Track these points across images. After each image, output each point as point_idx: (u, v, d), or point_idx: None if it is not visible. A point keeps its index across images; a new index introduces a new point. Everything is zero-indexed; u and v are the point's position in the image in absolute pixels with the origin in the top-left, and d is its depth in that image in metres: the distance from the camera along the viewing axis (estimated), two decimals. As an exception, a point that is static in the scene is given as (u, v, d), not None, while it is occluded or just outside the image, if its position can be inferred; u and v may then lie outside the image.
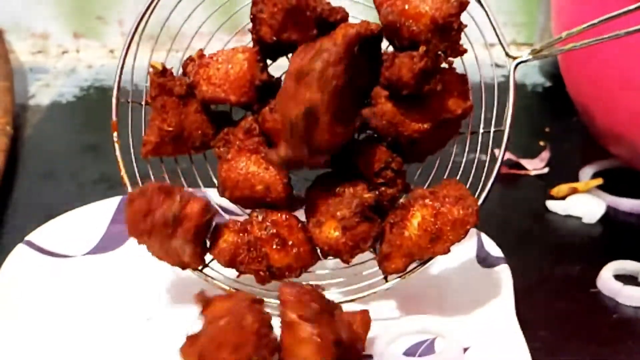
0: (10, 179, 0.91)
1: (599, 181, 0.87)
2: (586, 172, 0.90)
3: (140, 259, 0.75)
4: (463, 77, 0.67)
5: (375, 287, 0.70)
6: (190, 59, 0.70)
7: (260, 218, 0.68)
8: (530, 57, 0.68)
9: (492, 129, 0.70)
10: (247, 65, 0.68)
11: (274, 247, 0.68)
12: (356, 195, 0.67)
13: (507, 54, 0.68)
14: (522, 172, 0.92)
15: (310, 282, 0.65)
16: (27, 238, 0.75)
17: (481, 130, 0.71)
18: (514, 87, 0.68)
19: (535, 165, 0.93)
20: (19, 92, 1.07)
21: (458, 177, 0.69)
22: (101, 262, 0.76)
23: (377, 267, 0.69)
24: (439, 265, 0.73)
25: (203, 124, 0.71)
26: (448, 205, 0.64)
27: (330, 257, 0.69)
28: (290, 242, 0.68)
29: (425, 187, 0.69)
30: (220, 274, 0.71)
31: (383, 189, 0.68)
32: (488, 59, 0.70)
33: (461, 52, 0.65)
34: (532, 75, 1.15)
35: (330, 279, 0.72)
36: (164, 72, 0.70)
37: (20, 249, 0.74)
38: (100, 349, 0.66)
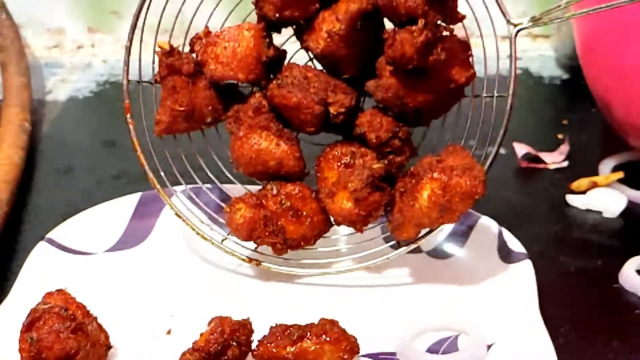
0: (29, 175, 0.91)
1: (620, 175, 0.87)
2: (606, 165, 0.89)
3: (163, 255, 0.76)
4: (465, 44, 0.67)
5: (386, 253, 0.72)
6: (197, 36, 0.71)
7: (274, 191, 0.70)
8: (530, 24, 0.68)
9: (496, 94, 0.71)
10: (253, 43, 0.69)
11: (289, 218, 0.70)
12: (366, 165, 0.68)
13: (507, 21, 0.68)
14: (541, 165, 0.92)
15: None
16: (48, 235, 0.75)
17: (484, 94, 0.71)
18: (515, 53, 0.69)
19: (555, 159, 0.93)
20: (35, 88, 1.07)
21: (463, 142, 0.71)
22: (123, 259, 0.76)
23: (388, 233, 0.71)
24: (461, 261, 0.74)
25: (213, 100, 0.72)
26: (456, 178, 0.65)
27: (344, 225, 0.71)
28: (304, 213, 0.71)
29: (432, 151, 0.71)
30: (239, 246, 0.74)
31: (391, 157, 0.69)
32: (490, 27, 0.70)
33: (459, 18, 0.66)
34: (550, 68, 1.14)
35: (342, 246, 0.75)
36: (171, 51, 0.71)
37: (41, 247, 0.74)
38: (123, 346, 0.66)
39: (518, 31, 0.68)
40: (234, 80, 0.70)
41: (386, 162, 0.69)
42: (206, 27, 0.71)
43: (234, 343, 0.61)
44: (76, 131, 1.03)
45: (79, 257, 0.75)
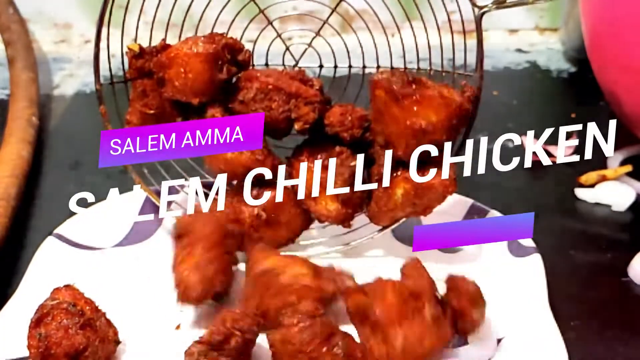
0: (37, 170, 0.91)
1: (628, 168, 0.87)
2: (615, 159, 0.89)
3: (171, 250, 0.76)
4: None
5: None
6: (155, 49, 0.71)
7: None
8: (495, 6, 0.69)
9: (465, 72, 0.72)
10: (204, 69, 0.69)
11: (267, 227, 0.72)
12: (344, 164, 0.69)
13: (473, 4, 0.69)
14: (550, 159, 0.91)
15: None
16: (56, 231, 0.75)
17: (453, 70, 0.73)
18: (481, 35, 0.70)
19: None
20: (43, 82, 1.07)
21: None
22: (131, 254, 0.76)
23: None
24: (470, 255, 0.74)
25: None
26: (428, 179, 0.67)
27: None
28: (282, 219, 0.72)
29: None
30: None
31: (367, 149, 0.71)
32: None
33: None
34: (557, 61, 1.14)
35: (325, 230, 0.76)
36: (141, 53, 0.72)
37: (49, 242, 0.74)
38: (132, 342, 0.66)
39: (483, 14, 0.69)
40: (189, 102, 0.70)
41: (363, 154, 0.69)
42: (162, 40, 0.71)
43: (237, 332, 0.61)
44: (84, 126, 1.02)
45: (87, 252, 0.75)
